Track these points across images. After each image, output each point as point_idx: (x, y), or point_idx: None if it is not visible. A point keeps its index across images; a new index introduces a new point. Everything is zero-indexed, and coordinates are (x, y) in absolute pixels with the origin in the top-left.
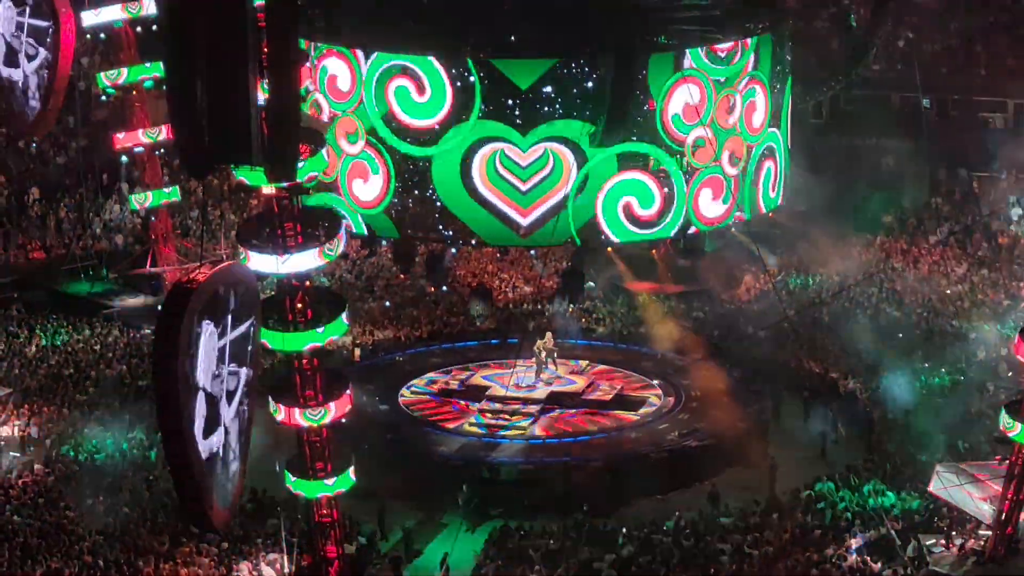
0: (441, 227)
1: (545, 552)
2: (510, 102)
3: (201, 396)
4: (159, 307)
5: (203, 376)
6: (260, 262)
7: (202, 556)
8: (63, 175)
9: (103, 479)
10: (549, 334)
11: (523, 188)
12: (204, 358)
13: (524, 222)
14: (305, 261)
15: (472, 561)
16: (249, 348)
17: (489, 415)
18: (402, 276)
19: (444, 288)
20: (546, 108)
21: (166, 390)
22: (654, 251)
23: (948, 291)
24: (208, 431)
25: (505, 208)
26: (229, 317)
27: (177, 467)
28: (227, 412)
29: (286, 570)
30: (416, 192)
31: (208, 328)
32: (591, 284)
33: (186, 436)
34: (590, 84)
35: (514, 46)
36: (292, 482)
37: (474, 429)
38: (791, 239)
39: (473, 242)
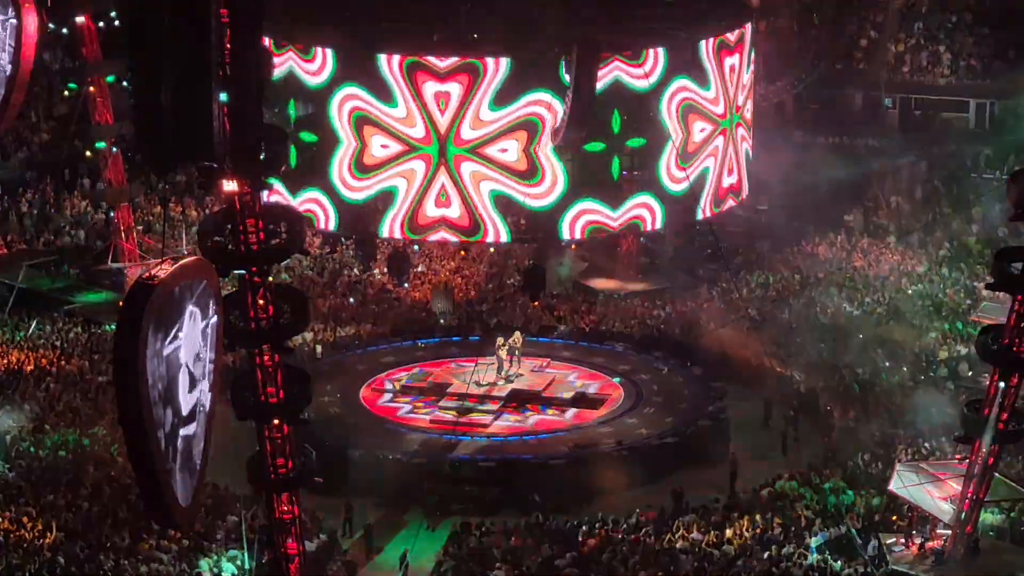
0: None
1: (507, 549)
2: None
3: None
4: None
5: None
6: (222, 258)
7: (163, 552)
8: (25, 169)
9: (64, 475)
10: (518, 332)
11: None
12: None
13: None
14: (266, 258)
15: (433, 558)
16: (212, 343)
17: (451, 411)
18: (365, 274)
19: (406, 285)
20: None
21: (127, 387)
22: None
23: (909, 290)
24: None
25: None
26: (191, 313)
27: (138, 463)
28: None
29: (247, 567)
30: None
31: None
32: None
33: (148, 432)
34: None
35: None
36: (253, 478)
37: (435, 425)
38: (753, 237)
39: None
